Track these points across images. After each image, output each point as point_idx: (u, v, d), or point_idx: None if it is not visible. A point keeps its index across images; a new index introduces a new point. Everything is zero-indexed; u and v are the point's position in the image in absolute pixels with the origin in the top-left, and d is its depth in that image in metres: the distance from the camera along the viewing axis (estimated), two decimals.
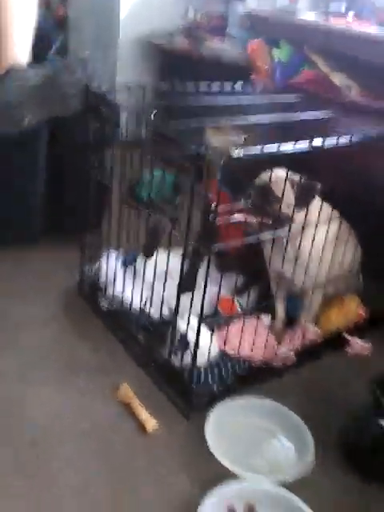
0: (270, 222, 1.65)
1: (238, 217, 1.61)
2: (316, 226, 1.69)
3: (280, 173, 1.65)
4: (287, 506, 1.31)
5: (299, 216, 1.66)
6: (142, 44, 3.67)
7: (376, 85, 2.03)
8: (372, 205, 1.82)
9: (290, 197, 1.64)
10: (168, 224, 1.60)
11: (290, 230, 1.64)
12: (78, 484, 1.37)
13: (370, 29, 2.11)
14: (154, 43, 3.58)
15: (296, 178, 1.66)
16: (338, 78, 2.19)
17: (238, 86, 2.06)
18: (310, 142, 1.48)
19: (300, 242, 1.70)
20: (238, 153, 1.37)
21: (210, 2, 3.58)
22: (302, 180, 1.65)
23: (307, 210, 1.67)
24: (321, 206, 1.70)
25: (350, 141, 1.56)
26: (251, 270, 2.03)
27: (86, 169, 1.86)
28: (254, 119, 1.76)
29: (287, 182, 1.58)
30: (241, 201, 1.67)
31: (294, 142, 1.44)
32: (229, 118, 1.74)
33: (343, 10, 2.42)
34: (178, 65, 3.33)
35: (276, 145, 1.43)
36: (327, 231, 1.71)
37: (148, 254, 1.80)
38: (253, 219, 1.64)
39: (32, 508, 1.31)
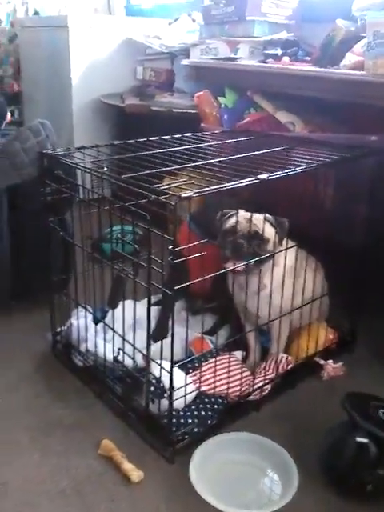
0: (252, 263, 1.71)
1: (228, 265, 1.69)
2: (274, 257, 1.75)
3: (255, 215, 1.74)
4: None
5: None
6: (95, 107, 3.79)
7: (315, 118, 2.14)
8: (326, 231, 1.87)
9: (274, 235, 1.74)
10: (131, 273, 1.62)
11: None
12: None
13: (306, 68, 2.22)
14: (107, 104, 3.69)
15: (269, 216, 1.76)
16: (282, 116, 2.28)
17: (189, 135, 2.14)
18: (257, 177, 1.55)
19: (260, 275, 1.74)
20: (188, 194, 1.42)
21: (156, 60, 3.72)
22: (274, 218, 1.76)
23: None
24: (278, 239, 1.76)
25: (295, 171, 1.63)
26: (221, 310, 2.06)
27: (48, 230, 1.90)
28: (207, 162, 1.81)
29: (267, 221, 1.72)
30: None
31: (240, 179, 1.51)
32: (182, 164, 1.79)
33: (279, 53, 2.54)
34: (131, 122, 3.43)
35: (225, 183, 1.50)
36: (285, 262, 1.76)
37: (113, 305, 1.81)
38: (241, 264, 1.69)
39: None
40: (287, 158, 1.79)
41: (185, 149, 1.91)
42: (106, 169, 1.68)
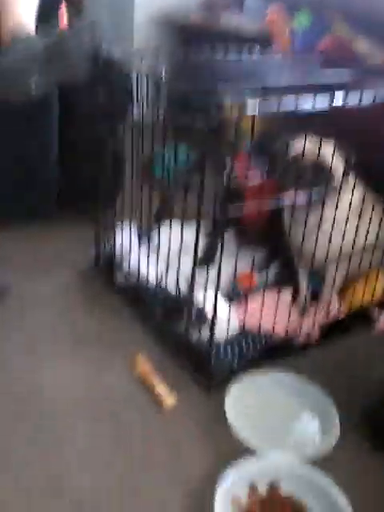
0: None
1: (287, 197, 1.56)
2: (339, 193, 1.62)
3: (323, 144, 1.58)
4: (312, 484, 1.23)
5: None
6: (158, 22, 3.59)
7: None
8: None
9: (341, 168, 1.62)
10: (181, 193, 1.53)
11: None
12: (90, 457, 1.31)
13: None
14: (170, 20, 3.50)
15: (337, 147, 1.62)
16: (361, 44, 2.09)
17: (256, 51, 1.97)
18: (331, 98, 1.39)
19: (322, 211, 1.61)
20: (253, 108, 1.29)
21: None
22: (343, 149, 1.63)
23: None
24: (344, 173, 1.63)
25: (374, 99, 1.46)
26: (272, 244, 1.95)
27: (99, 140, 1.80)
28: (272, 82, 1.67)
29: (335, 152, 1.59)
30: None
31: (313, 98, 1.35)
32: (246, 82, 1.65)
33: None
34: (195, 40, 3.24)
35: (294, 102, 1.35)
36: (351, 200, 1.62)
37: (159, 219, 1.73)
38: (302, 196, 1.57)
39: (41, 478, 1.25)
40: (363, 87, 1.62)
41: (251, 67, 1.77)
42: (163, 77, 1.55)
